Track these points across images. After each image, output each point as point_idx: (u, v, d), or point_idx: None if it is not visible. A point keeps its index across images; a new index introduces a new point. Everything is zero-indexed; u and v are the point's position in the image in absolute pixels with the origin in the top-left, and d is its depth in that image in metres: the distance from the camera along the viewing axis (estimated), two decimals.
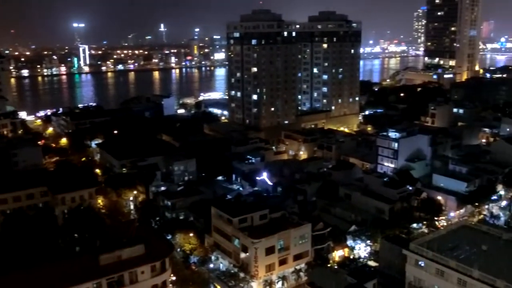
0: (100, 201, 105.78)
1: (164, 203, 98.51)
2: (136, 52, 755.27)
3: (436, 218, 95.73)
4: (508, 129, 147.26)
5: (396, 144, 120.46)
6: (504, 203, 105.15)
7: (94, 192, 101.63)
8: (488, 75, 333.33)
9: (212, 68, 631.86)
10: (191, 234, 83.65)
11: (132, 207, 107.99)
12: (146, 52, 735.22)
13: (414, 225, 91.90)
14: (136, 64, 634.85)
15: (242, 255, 74.47)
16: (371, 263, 79.80)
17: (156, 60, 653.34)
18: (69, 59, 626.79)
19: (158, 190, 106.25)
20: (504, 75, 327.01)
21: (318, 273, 70.03)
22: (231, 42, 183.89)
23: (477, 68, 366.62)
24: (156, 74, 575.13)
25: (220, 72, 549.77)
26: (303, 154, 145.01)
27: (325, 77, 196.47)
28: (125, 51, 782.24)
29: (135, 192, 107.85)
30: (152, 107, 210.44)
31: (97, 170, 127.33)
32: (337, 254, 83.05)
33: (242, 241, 74.06)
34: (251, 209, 79.46)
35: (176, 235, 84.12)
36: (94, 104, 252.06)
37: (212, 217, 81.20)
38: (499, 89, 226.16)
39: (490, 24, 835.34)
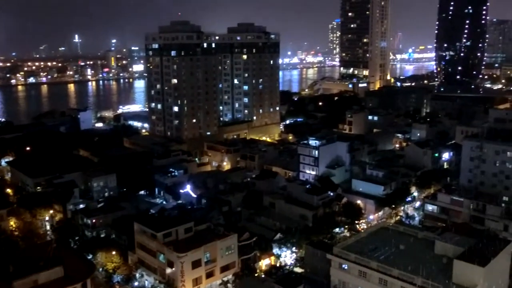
0: (12, 223, 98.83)
1: (84, 221, 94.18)
2: (49, 64, 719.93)
3: (356, 222, 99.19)
4: (418, 134, 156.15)
5: (316, 152, 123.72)
6: (417, 203, 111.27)
7: (5, 214, 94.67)
8: (398, 84, 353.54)
9: (131, 80, 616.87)
10: (114, 252, 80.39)
11: (48, 227, 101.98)
12: (60, 64, 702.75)
13: (337, 229, 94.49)
14: (49, 76, 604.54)
15: (168, 270, 72.69)
16: (297, 270, 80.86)
17: (71, 72, 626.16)
18: None
19: (77, 208, 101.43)
20: (413, 84, 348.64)
21: (246, 284, 69.94)
22: (150, 54, 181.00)
23: (388, 77, 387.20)
24: (71, 87, 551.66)
25: (140, 84, 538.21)
26: (226, 165, 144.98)
27: (245, 87, 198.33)
28: (37, 63, 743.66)
29: (51, 211, 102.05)
30: (67, 122, 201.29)
31: (8, 190, 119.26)
32: (264, 263, 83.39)
33: (168, 256, 72.32)
34: (175, 222, 77.87)
35: (97, 254, 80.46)
36: (2, 119, 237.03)
37: (135, 233, 78.68)
38: (409, 96, 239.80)
39: (399, 36, 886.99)
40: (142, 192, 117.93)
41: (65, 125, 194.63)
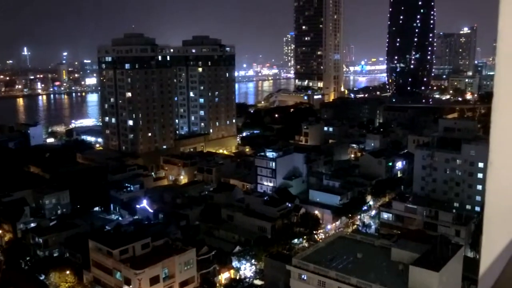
0: None
1: (35, 241, 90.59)
2: None
3: (314, 232, 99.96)
4: (372, 144, 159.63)
5: (273, 164, 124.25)
6: (373, 212, 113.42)
7: None
8: (352, 95, 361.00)
9: (84, 93, 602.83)
10: (68, 272, 77.66)
11: None
12: (7, 78, 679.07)
13: (295, 240, 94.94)
14: None
15: None
16: (257, 282, 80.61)
17: (20, 86, 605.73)
18: None
19: (27, 227, 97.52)
20: (366, 95, 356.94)
21: None
22: (103, 67, 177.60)
23: (342, 89, 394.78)
24: (20, 101, 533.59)
25: (93, 98, 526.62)
26: (183, 179, 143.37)
27: (201, 100, 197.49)
28: None
29: (0, 231, 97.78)
30: (16, 137, 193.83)
31: None
32: (223, 277, 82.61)
33: (124, 273, 70.44)
34: (132, 239, 76.14)
35: (50, 275, 77.44)
36: None
37: (90, 251, 76.31)
38: (362, 107, 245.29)
39: (351, 49, 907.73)
40: (96, 209, 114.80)
41: (14, 141, 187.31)
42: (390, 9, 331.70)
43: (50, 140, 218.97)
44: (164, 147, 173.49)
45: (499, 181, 3.84)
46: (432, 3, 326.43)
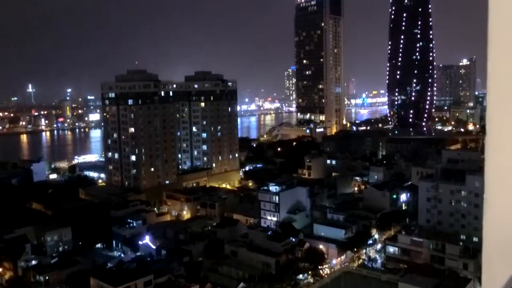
0: None
1: (36, 279, 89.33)
2: (1, 114, 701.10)
3: (320, 267, 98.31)
4: (376, 176, 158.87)
5: (277, 198, 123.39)
6: (379, 246, 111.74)
7: None
8: (354, 128, 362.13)
9: (87, 129, 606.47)
10: None
11: None
12: (12, 115, 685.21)
13: (300, 276, 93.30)
14: (0, 127, 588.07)
15: None
16: None
17: (24, 123, 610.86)
18: None
19: (29, 265, 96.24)
20: (368, 127, 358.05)
21: None
22: (107, 103, 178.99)
23: (344, 121, 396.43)
24: (24, 137, 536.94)
25: (96, 134, 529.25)
26: (186, 214, 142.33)
27: (204, 135, 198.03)
28: None
29: (0, 269, 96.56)
30: (19, 173, 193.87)
31: None
32: None
33: None
34: (134, 276, 75.07)
35: None
36: None
37: None
38: (365, 140, 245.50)
39: (353, 82, 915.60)
40: (99, 245, 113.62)
41: (17, 177, 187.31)
42: (390, 42, 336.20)
43: (53, 176, 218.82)
44: (167, 182, 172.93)
45: (496, 218, 3.88)
46: (431, 36, 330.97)
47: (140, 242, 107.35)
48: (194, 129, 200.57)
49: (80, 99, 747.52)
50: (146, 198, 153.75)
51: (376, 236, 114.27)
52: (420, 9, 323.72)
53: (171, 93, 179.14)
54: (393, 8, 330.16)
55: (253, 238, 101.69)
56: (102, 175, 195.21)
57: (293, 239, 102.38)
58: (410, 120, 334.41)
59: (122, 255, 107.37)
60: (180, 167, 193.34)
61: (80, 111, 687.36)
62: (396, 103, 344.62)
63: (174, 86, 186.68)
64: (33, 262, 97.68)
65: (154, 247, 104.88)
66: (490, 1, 3.60)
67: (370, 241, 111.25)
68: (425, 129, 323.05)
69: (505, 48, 3.55)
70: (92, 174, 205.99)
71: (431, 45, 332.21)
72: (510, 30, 3.53)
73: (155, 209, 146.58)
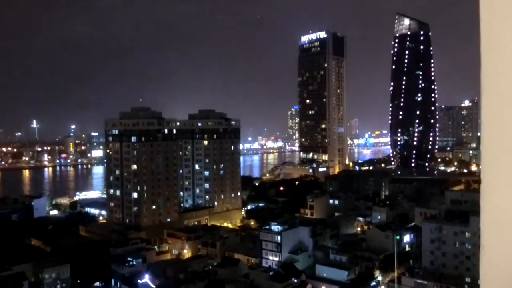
0: None
1: None
2: (4, 149, 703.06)
3: None
4: (379, 217, 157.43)
5: (279, 237, 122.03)
6: None
7: None
8: (357, 168, 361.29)
9: (90, 165, 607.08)
10: None
11: None
12: (15, 150, 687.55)
13: None
14: (3, 162, 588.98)
15: None
16: None
17: (27, 158, 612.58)
18: None
19: None
20: (371, 167, 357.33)
21: None
22: (110, 140, 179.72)
23: (347, 161, 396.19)
24: (26, 172, 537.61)
25: (98, 170, 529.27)
26: (187, 253, 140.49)
27: (206, 173, 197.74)
28: None
29: None
30: (20, 209, 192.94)
31: None
32: None
33: None
34: None
35: None
36: None
37: None
38: (367, 180, 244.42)
39: (355, 122, 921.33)
40: (97, 284, 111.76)
41: (17, 213, 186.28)
42: (392, 83, 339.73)
43: (54, 212, 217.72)
44: (168, 220, 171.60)
45: (493, 265, 3.79)
46: (433, 77, 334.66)
47: (140, 281, 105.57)
48: (196, 167, 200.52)
49: (83, 136, 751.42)
50: (147, 236, 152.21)
51: (380, 278, 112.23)
52: (422, 51, 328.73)
53: (174, 131, 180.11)
54: (396, 49, 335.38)
55: (254, 278, 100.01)
56: (103, 212, 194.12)
57: (295, 280, 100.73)
58: (413, 160, 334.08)
59: None
60: (181, 205, 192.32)
61: (83, 147, 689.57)
62: (398, 143, 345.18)
63: (178, 124, 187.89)
64: None
65: (153, 286, 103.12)
66: (482, 50, 3.57)
67: (373, 283, 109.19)
68: (428, 169, 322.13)
69: (498, 95, 3.57)
70: (93, 210, 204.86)
71: (433, 86, 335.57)
72: (501, 80, 3.53)
73: (156, 247, 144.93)
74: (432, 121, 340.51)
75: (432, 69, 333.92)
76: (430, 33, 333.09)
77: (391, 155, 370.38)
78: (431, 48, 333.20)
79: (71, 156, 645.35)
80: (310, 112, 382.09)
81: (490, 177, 3.83)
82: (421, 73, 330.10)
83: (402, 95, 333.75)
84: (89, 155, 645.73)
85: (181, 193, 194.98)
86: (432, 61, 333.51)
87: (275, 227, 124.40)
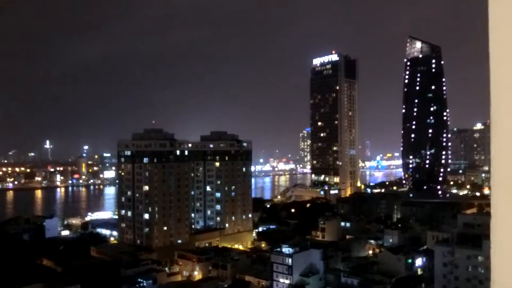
0: None
1: None
2: (17, 169, 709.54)
3: None
4: (391, 240, 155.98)
5: (290, 260, 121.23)
6: None
7: None
8: (369, 190, 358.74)
9: (101, 186, 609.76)
10: None
11: None
12: (28, 170, 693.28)
13: None
14: (16, 182, 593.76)
15: None
16: None
17: (39, 178, 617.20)
18: None
19: None
20: (383, 190, 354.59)
21: None
22: (122, 160, 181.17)
23: (359, 184, 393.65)
24: (38, 193, 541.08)
25: (110, 191, 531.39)
26: (197, 275, 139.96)
27: (218, 195, 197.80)
28: (4, 169, 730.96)
29: None
30: (32, 229, 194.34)
31: None
32: None
33: None
34: None
35: None
36: None
37: None
38: (379, 202, 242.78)
39: (367, 145, 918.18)
40: None
41: (29, 233, 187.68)
42: (404, 106, 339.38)
43: (65, 232, 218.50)
44: (179, 241, 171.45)
45: None
46: (445, 100, 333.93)
47: None
48: (208, 188, 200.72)
49: (96, 156, 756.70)
50: (158, 257, 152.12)
51: None
52: (434, 74, 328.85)
53: (186, 152, 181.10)
54: (408, 72, 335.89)
55: None
56: (115, 233, 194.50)
57: None
58: (425, 183, 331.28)
59: None
60: (193, 226, 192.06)
61: (95, 168, 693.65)
62: (410, 166, 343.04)
63: (190, 145, 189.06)
64: None
65: None
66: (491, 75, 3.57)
67: None
68: (440, 192, 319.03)
69: (508, 118, 3.49)
70: (105, 231, 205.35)
71: (445, 109, 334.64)
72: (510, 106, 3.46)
73: (166, 268, 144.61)
74: (444, 144, 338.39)
75: (444, 92, 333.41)
76: (442, 56, 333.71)
77: (403, 177, 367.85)
78: (443, 71, 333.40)
79: (83, 177, 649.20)
80: (322, 135, 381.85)
81: (502, 209, 3.59)
82: (433, 96, 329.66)
83: (414, 118, 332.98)
84: (101, 175, 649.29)
85: (192, 215, 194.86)
86: (444, 84, 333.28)
87: (286, 250, 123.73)
